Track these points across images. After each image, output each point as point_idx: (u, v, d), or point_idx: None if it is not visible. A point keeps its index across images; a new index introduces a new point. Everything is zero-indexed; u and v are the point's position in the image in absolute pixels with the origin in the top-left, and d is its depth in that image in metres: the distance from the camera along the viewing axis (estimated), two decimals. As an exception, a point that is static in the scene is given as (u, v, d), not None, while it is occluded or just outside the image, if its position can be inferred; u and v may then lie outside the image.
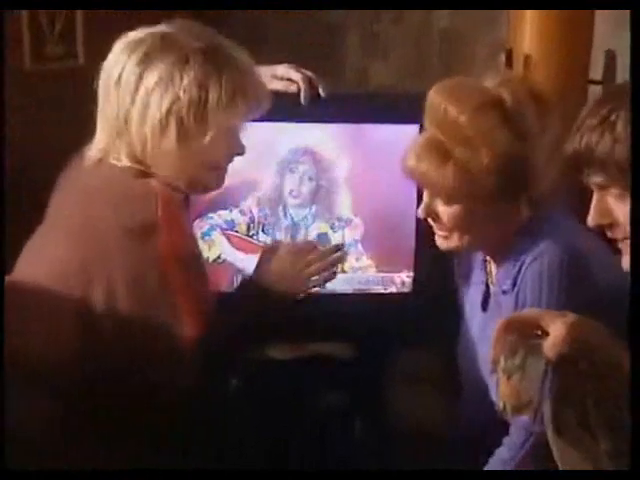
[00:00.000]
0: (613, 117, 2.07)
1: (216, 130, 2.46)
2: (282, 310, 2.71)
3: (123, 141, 2.47)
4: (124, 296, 2.37)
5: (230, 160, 2.58)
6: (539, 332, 2.20)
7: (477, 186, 2.46)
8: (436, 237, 2.62)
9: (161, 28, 2.49)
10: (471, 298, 2.74)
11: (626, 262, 2.19)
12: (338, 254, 2.70)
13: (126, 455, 2.35)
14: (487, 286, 2.67)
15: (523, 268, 2.52)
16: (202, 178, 2.56)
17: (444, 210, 2.53)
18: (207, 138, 2.45)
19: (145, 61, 2.43)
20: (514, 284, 2.53)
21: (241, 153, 2.58)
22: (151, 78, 2.42)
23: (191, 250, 2.52)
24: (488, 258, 2.68)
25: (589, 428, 2.20)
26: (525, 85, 2.55)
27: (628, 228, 2.14)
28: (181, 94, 2.42)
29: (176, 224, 2.46)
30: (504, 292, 2.57)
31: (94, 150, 2.51)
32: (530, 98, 2.48)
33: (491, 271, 2.66)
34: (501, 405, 2.25)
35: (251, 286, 2.64)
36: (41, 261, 2.48)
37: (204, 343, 2.44)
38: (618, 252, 2.21)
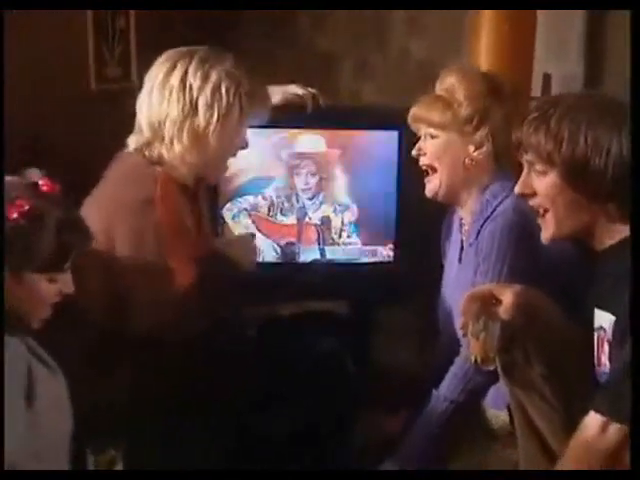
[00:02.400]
0: (549, 115, 2.13)
1: (221, 137, 2.48)
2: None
3: (154, 145, 2.50)
4: (131, 252, 2.39)
5: (234, 154, 2.59)
6: (494, 301, 2.27)
7: (453, 118, 2.58)
8: (426, 184, 2.67)
9: (195, 48, 2.50)
10: (451, 255, 2.77)
11: (545, 235, 2.22)
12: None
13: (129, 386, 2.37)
14: (462, 242, 2.71)
15: (484, 226, 2.58)
16: (210, 171, 2.58)
17: (430, 144, 2.63)
18: (213, 143, 2.47)
19: (184, 79, 2.43)
20: (476, 237, 2.59)
21: (245, 147, 2.59)
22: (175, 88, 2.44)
23: (179, 221, 2.50)
24: (463, 221, 2.70)
25: (529, 362, 2.28)
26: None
27: (546, 200, 2.17)
28: (200, 106, 2.44)
29: (170, 202, 2.47)
30: (470, 245, 2.63)
31: (131, 144, 2.53)
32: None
33: (465, 230, 2.69)
34: (473, 359, 2.33)
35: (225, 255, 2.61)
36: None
37: (207, 294, 2.44)
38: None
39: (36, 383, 1.89)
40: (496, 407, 2.62)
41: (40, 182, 2.00)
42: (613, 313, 2.16)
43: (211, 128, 2.46)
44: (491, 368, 2.37)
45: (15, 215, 1.91)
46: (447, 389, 2.57)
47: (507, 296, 2.28)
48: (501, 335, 2.29)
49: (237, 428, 2.50)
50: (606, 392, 2.09)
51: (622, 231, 2.16)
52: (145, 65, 2.62)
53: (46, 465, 1.87)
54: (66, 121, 3.84)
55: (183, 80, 2.45)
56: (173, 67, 2.47)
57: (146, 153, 2.51)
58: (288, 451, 2.53)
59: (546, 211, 2.20)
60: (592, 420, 2.07)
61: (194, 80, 2.45)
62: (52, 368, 1.99)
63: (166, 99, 2.45)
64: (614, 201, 2.13)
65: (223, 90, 2.46)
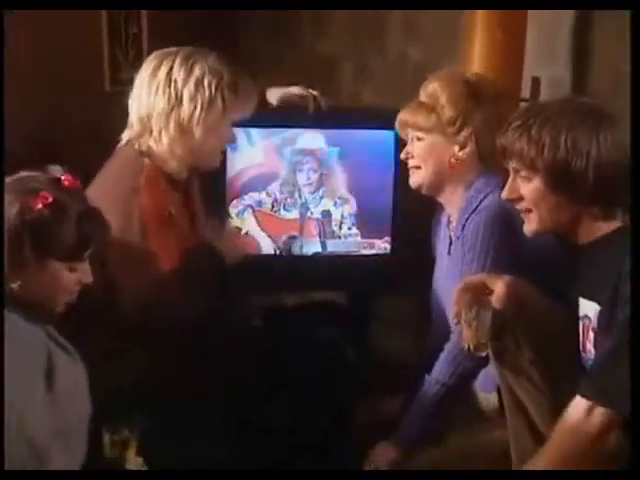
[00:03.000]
0: (530, 123, 2.13)
1: (206, 128, 2.49)
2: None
3: (144, 138, 2.52)
4: (119, 237, 2.35)
5: (222, 148, 2.61)
6: (486, 290, 2.29)
7: (436, 122, 2.58)
8: (410, 175, 2.68)
9: (180, 48, 2.53)
10: (440, 249, 2.77)
11: (528, 228, 2.23)
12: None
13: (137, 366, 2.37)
14: (450, 237, 2.71)
15: (469, 219, 2.59)
16: (199, 162, 2.58)
17: (417, 146, 2.64)
18: (198, 134, 2.48)
19: (169, 74, 2.46)
20: (462, 230, 2.60)
21: (233, 142, 2.63)
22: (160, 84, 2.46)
23: (163, 210, 2.50)
24: (451, 218, 2.71)
25: (519, 348, 2.29)
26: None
27: (531, 203, 2.17)
28: (184, 99, 2.46)
29: (154, 191, 2.48)
30: (457, 238, 2.64)
31: (123, 138, 2.56)
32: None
33: (453, 227, 2.69)
34: (465, 346, 2.35)
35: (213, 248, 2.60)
36: None
37: (191, 281, 2.44)
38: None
39: (56, 368, 1.89)
40: (486, 390, 2.64)
41: (62, 177, 2.02)
42: (598, 302, 2.17)
43: (195, 119, 2.48)
44: (483, 354, 2.38)
45: (40, 206, 1.92)
46: (439, 373, 2.58)
47: (498, 286, 2.28)
48: (492, 323, 2.30)
49: (245, 410, 2.50)
50: (591, 377, 2.10)
51: (604, 228, 2.17)
52: None
53: (66, 443, 1.88)
54: (82, 121, 3.87)
55: (169, 75, 2.48)
56: (160, 64, 2.50)
57: (136, 146, 2.53)
58: (292, 430, 2.54)
59: (529, 211, 2.21)
60: (578, 404, 2.07)
61: (178, 74, 2.47)
62: (71, 354, 2.00)
63: (153, 93, 2.48)
64: (597, 203, 2.14)
65: (205, 83, 2.48)
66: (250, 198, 2.96)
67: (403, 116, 2.68)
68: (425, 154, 2.65)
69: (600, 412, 2.04)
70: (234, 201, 2.94)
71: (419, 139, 2.65)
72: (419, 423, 2.59)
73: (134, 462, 2.11)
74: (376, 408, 2.76)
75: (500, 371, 2.38)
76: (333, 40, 4.48)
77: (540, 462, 2.13)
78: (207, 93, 2.48)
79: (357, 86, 4.41)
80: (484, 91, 2.64)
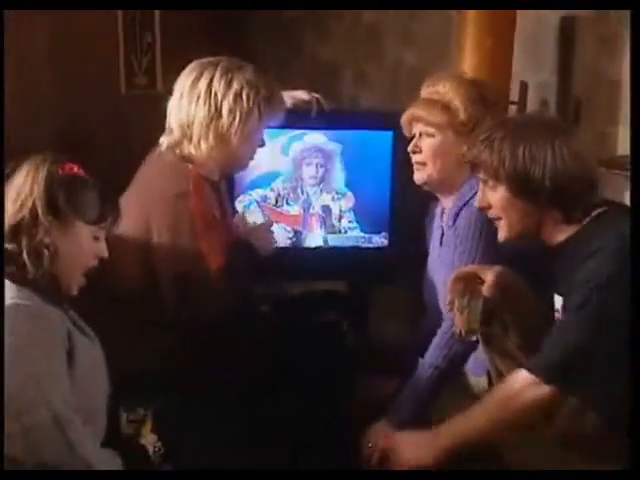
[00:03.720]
0: (493, 137, 2.18)
1: (243, 137, 2.50)
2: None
3: (183, 144, 2.52)
4: (168, 239, 2.41)
5: (255, 152, 2.61)
6: (478, 280, 2.32)
7: (451, 121, 2.56)
8: (415, 173, 2.64)
9: (218, 59, 2.52)
10: (433, 239, 2.76)
11: (500, 236, 2.25)
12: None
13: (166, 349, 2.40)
14: (442, 228, 2.70)
15: (461, 212, 2.59)
16: (233, 167, 2.62)
17: (427, 142, 2.60)
18: (235, 143, 2.50)
19: (210, 86, 2.46)
20: (454, 222, 2.60)
21: (262, 145, 2.61)
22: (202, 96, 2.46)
23: (210, 212, 2.52)
24: (445, 210, 2.69)
25: (507, 333, 2.33)
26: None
27: (499, 211, 2.20)
28: (224, 111, 2.46)
29: (201, 195, 2.49)
30: (449, 228, 2.63)
31: (163, 144, 2.55)
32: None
33: (446, 218, 2.68)
34: (457, 331, 2.38)
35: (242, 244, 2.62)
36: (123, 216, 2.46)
37: (234, 277, 2.47)
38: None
39: (76, 348, 1.89)
40: (476, 374, 2.65)
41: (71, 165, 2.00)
42: (560, 294, 2.21)
43: (233, 130, 2.48)
44: (474, 339, 2.40)
45: (67, 171, 1.94)
46: (431, 357, 2.58)
47: (488, 276, 2.31)
48: (482, 310, 2.33)
49: (255, 388, 2.50)
50: (542, 356, 2.12)
51: (568, 230, 2.19)
52: (168, 75, 2.63)
53: (87, 419, 1.87)
54: (100, 121, 3.90)
55: (209, 86, 2.47)
56: (200, 75, 2.49)
57: (177, 151, 2.52)
58: (297, 406, 2.54)
59: (499, 219, 2.24)
60: (520, 376, 2.12)
61: (218, 87, 2.47)
62: (90, 337, 2.00)
63: (194, 103, 2.47)
64: (557, 207, 2.17)
65: (244, 96, 2.48)
66: (255, 193, 2.97)
67: (415, 111, 2.62)
68: (435, 151, 2.60)
69: (540, 390, 2.08)
70: (240, 197, 2.95)
71: (429, 135, 2.61)
72: (413, 404, 2.58)
73: (149, 438, 2.11)
74: (373, 388, 2.76)
75: (489, 355, 2.40)
76: (334, 48, 4.51)
77: (464, 420, 2.20)
78: (245, 106, 2.48)
79: (356, 90, 4.44)
80: (490, 95, 2.64)
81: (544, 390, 2.09)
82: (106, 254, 2.04)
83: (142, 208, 2.45)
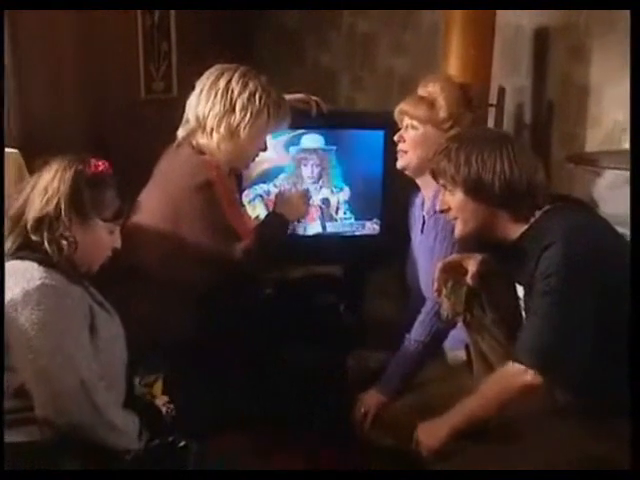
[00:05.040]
0: (450, 147, 2.22)
1: (250, 135, 2.52)
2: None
3: (197, 134, 2.53)
4: (200, 226, 2.42)
5: (257, 155, 2.63)
6: (462, 270, 2.34)
7: (432, 117, 2.58)
8: (398, 157, 2.66)
9: (238, 65, 2.55)
10: (415, 228, 2.76)
11: (456, 234, 2.28)
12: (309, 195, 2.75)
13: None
14: (423, 217, 2.70)
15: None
16: (237, 163, 2.62)
17: (410, 134, 2.62)
18: (243, 138, 2.51)
19: (228, 85, 2.49)
20: (434, 212, 2.58)
21: (264, 150, 2.63)
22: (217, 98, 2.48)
23: (234, 196, 2.57)
24: (425, 200, 2.69)
25: (484, 312, 2.36)
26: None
27: (457, 212, 2.23)
28: (237, 107, 2.48)
29: (224, 181, 2.52)
30: (430, 217, 2.64)
31: (179, 137, 2.57)
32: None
33: (427, 208, 2.68)
34: (444, 315, 2.39)
35: (273, 214, 2.66)
36: (146, 207, 2.51)
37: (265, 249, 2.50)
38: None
39: (97, 322, 1.91)
40: (455, 347, 2.65)
41: (93, 162, 2.00)
42: (520, 284, 2.24)
43: (242, 125, 2.50)
44: (459, 321, 2.42)
45: (93, 169, 1.94)
46: (416, 333, 2.59)
47: (471, 265, 2.34)
48: (466, 297, 2.36)
49: (259, 360, 2.54)
50: (522, 345, 2.14)
51: (519, 228, 2.22)
52: (183, 81, 2.63)
53: (109, 385, 1.90)
54: (122, 122, 3.91)
55: (227, 85, 2.50)
56: (221, 75, 2.52)
57: (193, 142, 2.54)
58: (296, 377, 2.58)
59: (456, 219, 2.26)
60: (508, 366, 2.14)
61: (236, 86, 2.50)
62: (109, 312, 2.01)
63: (212, 98, 2.50)
64: (505, 208, 2.20)
65: (257, 97, 2.50)
66: (260, 188, 2.95)
67: (405, 107, 2.64)
68: (416, 141, 2.62)
69: (526, 376, 2.10)
70: (245, 191, 2.93)
71: (413, 128, 2.62)
72: (400, 374, 2.60)
73: (161, 399, 2.13)
74: (365, 360, 2.76)
75: (470, 332, 2.42)
76: (332, 56, 4.50)
77: (469, 403, 2.21)
78: (257, 105, 2.50)
79: (353, 94, 4.43)
80: (473, 98, 2.65)
81: (530, 375, 2.10)
82: (119, 244, 2.05)
83: (168, 200, 2.47)
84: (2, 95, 2.92)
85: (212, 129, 2.51)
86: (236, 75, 2.51)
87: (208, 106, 2.51)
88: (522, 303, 2.26)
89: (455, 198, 2.23)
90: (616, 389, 2.06)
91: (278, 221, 2.64)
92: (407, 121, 2.65)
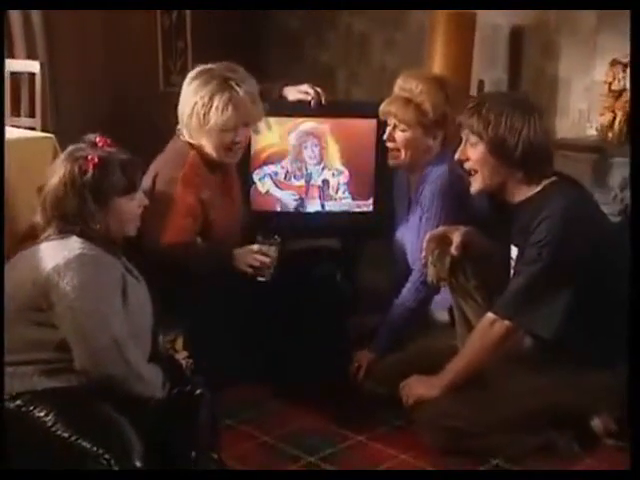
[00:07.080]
0: (480, 106, 2.23)
1: (219, 131, 2.46)
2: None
3: (183, 130, 2.52)
4: (155, 213, 2.30)
5: (238, 146, 2.53)
6: (447, 240, 2.36)
7: (421, 120, 2.56)
8: (389, 157, 2.64)
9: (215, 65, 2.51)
10: (401, 207, 2.78)
11: (473, 188, 2.30)
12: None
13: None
14: (410, 198, 2.71)
15: (425, 185, 2.59)
16: (217, 155, 2.52)
17: (400, 135, 2.59)
18: (216, 130, 2.45)
19: (198, 86, 2.46)
20: (420, 194, 2.61)
21: (238, 143, 2.53)
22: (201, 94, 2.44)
23: (191, 198, 2.46)
24: (411, 183, 2.69)
25: (467, 278, 2.38)
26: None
27: (476, 164, 2.24)
28: (214, 102, 2.43)
29: (188, 182, 2.46)
30: (416, 201, 2.65)
31: (178, 129, 2.56)
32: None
33: (411, 188, 2.69)
34: (430, 280, 2.42)
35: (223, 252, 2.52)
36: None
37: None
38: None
39: (128, 288, 1.93)
40: (438, 309, 2.68)
41: (97, 140, 1.98)
42: (516, 246, 2.26)
43: (210, 120, 2.45)
44: (443, 287, 2.45)
45: (91, 166, 1.91)
46: (403, 298, 2.61)
47: (455, 237, 2.35)
48: (450, 264, 2.38)
49: (265, 324, 2.54)
50: (500, 299, 2.20)
51: (527, 191, 2.24)
52: None
53: (137, 343, 1.92)
54: (141, 112, 3.94)
55: (197, 86, 2.47)
56: (201, 74, 2.49)
57: (181, 137, 2.53)
58: (301, 338, 2.58)
59: (475, 172, 2.27)
60: (486, 317, 2.20)
61: (204, 87, 2.46)
62: (138, 279, 2.02)
63: (191, 94, 2.47)
64: (521, 169, 2.21)
65: (228, 94, 2.44)
66: (268, 169, 2.95)
67: (391, 109, 2.58)
68: (407, 144, 2.58)
69: (500, 324, 2.17)
70: (256, 170, 2.93)
71: (403, 130, 2.58)
72: (389, 334, 2.62)
73: (181, 354, 2.16)
74: (359, 323, 2.77)
75: (454, 296, 2.45)
76: (330, 53, 4.50)
77: (459, 359, 2.26)
78: (228, 101, 2.44)
79: (349, 88, 4.44)
80: (454, 93, 2.63)
81: (505, 324, 2.16)
82: (146, 201, 2.05)
83: (152, 185, 2.45)
84: (2, 95, 2.91)
85: (187, 125, 2.49)
86: (207, 76, 2.47)
87: (183, 104, 2.50)
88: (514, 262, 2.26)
89: (477, 151, 2.23)
90: (584, 344, 2.13)
91: (219, 256, 2.50)
92: (394, 121, 2.61)
